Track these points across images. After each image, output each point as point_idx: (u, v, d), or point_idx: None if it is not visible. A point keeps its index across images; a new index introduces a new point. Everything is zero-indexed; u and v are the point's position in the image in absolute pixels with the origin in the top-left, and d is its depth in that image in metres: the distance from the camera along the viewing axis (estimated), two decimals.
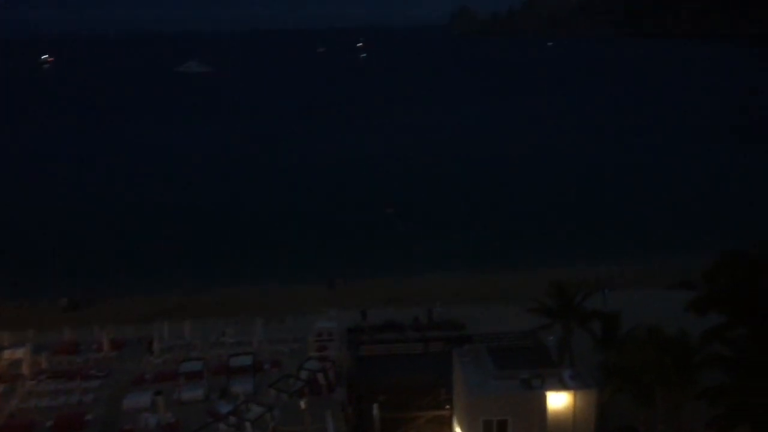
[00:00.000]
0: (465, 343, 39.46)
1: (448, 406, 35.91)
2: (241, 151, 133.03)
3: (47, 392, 40.03)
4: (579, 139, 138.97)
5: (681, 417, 32.38)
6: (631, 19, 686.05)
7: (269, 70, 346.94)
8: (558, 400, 31.44)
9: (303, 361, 41.13)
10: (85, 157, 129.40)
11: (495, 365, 33.20)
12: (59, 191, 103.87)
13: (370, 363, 40.40)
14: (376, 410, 35.01)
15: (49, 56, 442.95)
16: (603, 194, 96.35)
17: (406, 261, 70.55)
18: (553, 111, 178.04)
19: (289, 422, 34.86)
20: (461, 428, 33.11)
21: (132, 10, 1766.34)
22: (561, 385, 31.65)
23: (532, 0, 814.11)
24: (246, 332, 47.25)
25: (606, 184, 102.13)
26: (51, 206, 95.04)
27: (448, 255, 71.41)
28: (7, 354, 44.23)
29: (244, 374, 40.91)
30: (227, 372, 41.19)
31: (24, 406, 38.44)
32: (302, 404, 34.67)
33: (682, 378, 29.95)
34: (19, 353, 43.75)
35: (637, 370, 30.92)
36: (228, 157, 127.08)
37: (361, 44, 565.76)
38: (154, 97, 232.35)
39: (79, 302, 59.92)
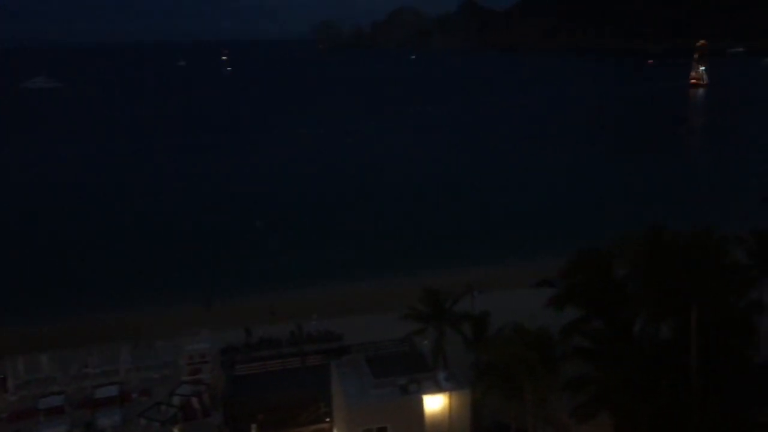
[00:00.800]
0: (343, 354, 39.38)
1: (328, 419, 35.62)
2: (102, 169, 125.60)
3: None
4: (447, 147, 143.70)
5: (548, 408, 34.06)
6: (485, 34, 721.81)
7: (120, 84, 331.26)
8: (434, 403, 32.09)
9: (175, 387, 39.22)
10: None
11: (372, 374, 33.35)
12: None
13: (247, 382, 39.27)
14: (254, 430, 34.06)
15: None
16: (468, 201, 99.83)
17: (282, 275, 69.49)
18: (420, 121, 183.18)
19: None
20: None
21: None
22: (436, 388, 32.35)
23: (393, 15, 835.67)
24: (111, 360, 44.32)
25: (470, 191, 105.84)
26: None
27: (324, 267, 71.17)
28: None
29: (111, 405, 38.36)
30: (92, 405, 38.47)
31: None
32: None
33: (547, 371, 31.51)
34: None
35: (505, 367, 32.19)
36: (87, 176, 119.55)
37: (225, 57, 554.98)
38: None
39: None
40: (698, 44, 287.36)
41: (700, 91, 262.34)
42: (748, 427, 30.79)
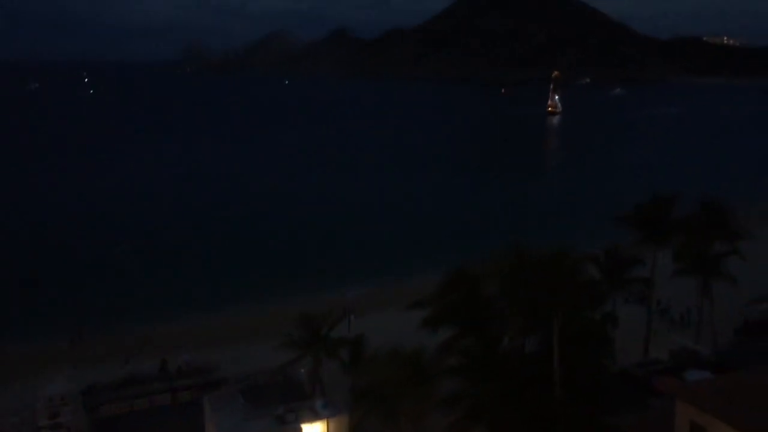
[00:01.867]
0: (216, 387, 38.12)
1: None
2: None
3: None
4: (317, 171, 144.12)
5: (425, 427, 34.69)
6: (354, 61, 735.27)
7: None
8: (313, 431, 31.78)
9: None
10: None
11: (247, 405, 32.55)
12: None
13: (112, 424, 36.98)
14: None
15: None
16: (339, 224, 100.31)
17: (151, 305, 66.30)
18: (288, 146, 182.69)
19: None
20: None
21: None
22: (314, 416, 32.10)
23: (264, 40, 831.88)
24: None
25: (339, 215, 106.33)
26: None
27: (195, 296, 68.72)
28: None
29: None
30: None
31: None
32: None
33: (422, 390, 32.18)
34: None
35: (381, 389, 32.53)
36: None
37: (87, 79, 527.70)
38: None
39: None
40: (553, 75, 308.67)
41: (556, 118, 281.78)
42: None
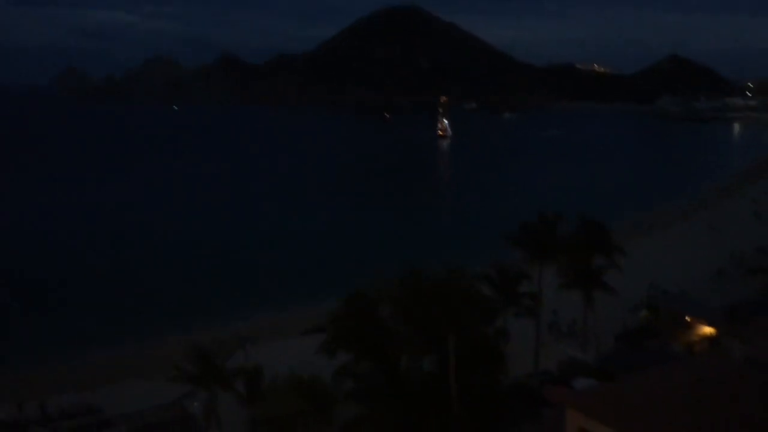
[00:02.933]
0: (104, 428, 36.03)
1: None
2: None
3: None
4: (207, 202, 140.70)
5: None
6: (244, 87, 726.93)
7: None
8: None
9: None
10: None
11: None
12: None
13: None
14: None
15: None
16: (230, 252, 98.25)
17: (31, 346, 61.84)
18: (176, 177, 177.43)
19: None
20: None
21: None
22: None
23: (148, 64, 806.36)
24: None
25: (230, 243, 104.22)
26: None
27: (79, 334, 64.73)
28: None
29: None
30: None
31: None
32: None
33: (321, 417, 31.90)
34: None
35: (280, 419, 31.95)
36: None
37: None
38: None
39: None
40: (441, 100, 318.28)
41: (446, 141, 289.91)
42: None
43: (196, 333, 56.37)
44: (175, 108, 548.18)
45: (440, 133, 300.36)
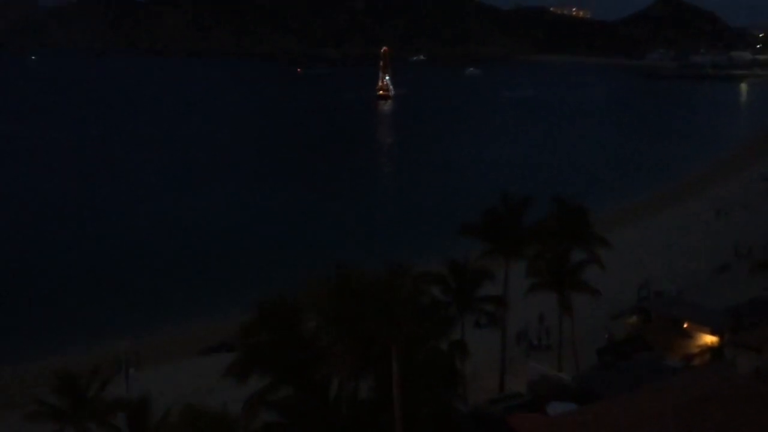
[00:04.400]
0: None
1: None
2: None
3: None
4: (91, 183, 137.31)
5: None
6: (120, 30, 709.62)
7: None
8: None
9: None
10: None
11: None
12: None
13: None
14: None
15: None
16: (112, 249, 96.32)
17: None
18: (46, 145, 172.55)
19: None
20: None
21: None
22: None
23: None
24: None
25: (113, 234, 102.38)
26: None
27: None
28: None
29: None
30: None
31: None
32: None
33: None
34: None
35: None
36: None
37: None
38: None
39: None
40: (382, 51, 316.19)
41: (388, 104, 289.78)
42: None
43: (65, 355, 55.13)
44: (33, 57, 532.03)
45: (381, 92, 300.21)
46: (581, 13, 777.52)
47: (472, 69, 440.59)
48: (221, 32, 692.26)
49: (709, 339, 56.09)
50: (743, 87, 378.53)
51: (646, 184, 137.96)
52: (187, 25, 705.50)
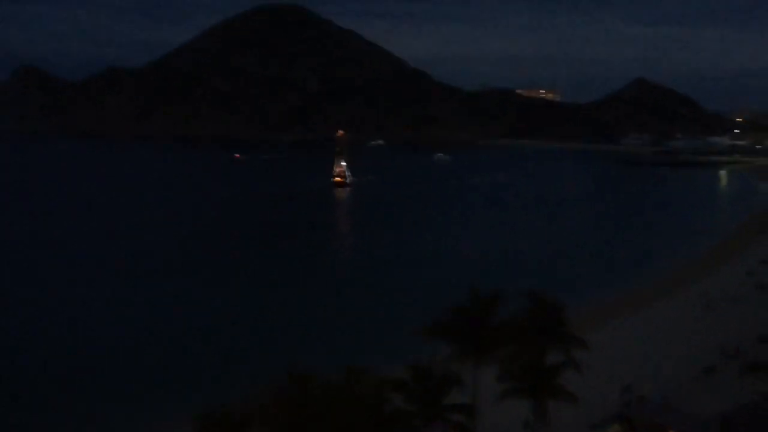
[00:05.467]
0: None
1: None
2: None
3: None
4: None
5: None
6: (54, 111, 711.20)
7: None
8: None
9: None
10: None
11: None
12: None
13: None
14: None
15: None
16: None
17: None
18: None
19: None
20: None
21: None
22: None
23: None
24: None
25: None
26: None
27: None
28: None
29: None
30: None
31: None
32: None
33: None
34: None
35: None
36: None
37: None
38: None
39: None
40: (338, 134, 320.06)
41: (347, 191, 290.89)
42: None
43: None
44: None
45: (337, 179, 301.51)
46: (551, 96, 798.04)
47: (440, 154, 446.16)
48: (168, 115, 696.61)
49: None
50: (723, 174, 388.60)
51: (626, 278, 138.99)
52: (130, 107, 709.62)
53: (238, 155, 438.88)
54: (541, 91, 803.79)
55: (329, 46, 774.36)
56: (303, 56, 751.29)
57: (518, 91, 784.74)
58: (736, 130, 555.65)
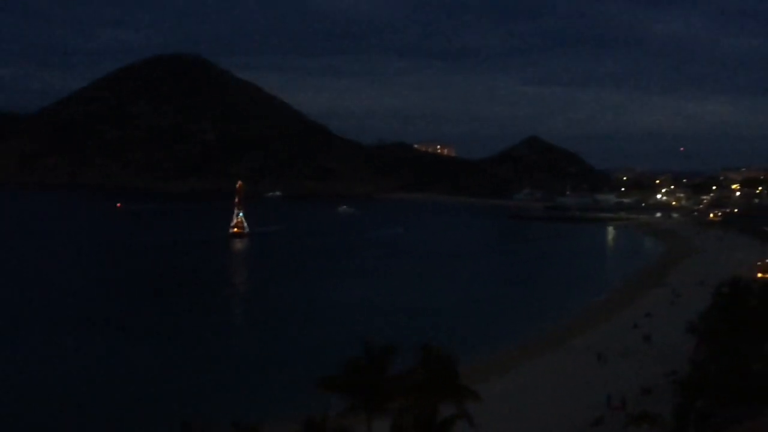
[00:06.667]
0: None
1: None
2: None
3: None
4: None
5: None
6: None
7: None
8: None
9: None
10: None
11: None
12: None
13: None
14: None
15: None
16: None
17: None
18: None
19: None
20: None
21: None
22: None
23: None
24: None
25: None
26: None
27: None
28: None
29: None
30: None
31: None
32: None
33: None
34: None
35: None
36: None
37: None
38: None
39: None
40: (237, 186, 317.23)
41: (244, 242, 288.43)
42: None
43: None
44: None
45: (235, 230, 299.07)
46: (446, 151, 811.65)
47: (345, 207, 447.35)
48: (57, 163, 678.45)
49: None
50: (610, 230, 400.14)
51: (518, 330, 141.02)
52: (17, 154, 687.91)
53: (120, 204, 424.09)
54: (437, 146, 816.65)
55: (227, 98, 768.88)
56: (200, 107, 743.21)
57: (415, 145, 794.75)
58: (622, 189, 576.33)
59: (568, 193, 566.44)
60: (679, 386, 68.32)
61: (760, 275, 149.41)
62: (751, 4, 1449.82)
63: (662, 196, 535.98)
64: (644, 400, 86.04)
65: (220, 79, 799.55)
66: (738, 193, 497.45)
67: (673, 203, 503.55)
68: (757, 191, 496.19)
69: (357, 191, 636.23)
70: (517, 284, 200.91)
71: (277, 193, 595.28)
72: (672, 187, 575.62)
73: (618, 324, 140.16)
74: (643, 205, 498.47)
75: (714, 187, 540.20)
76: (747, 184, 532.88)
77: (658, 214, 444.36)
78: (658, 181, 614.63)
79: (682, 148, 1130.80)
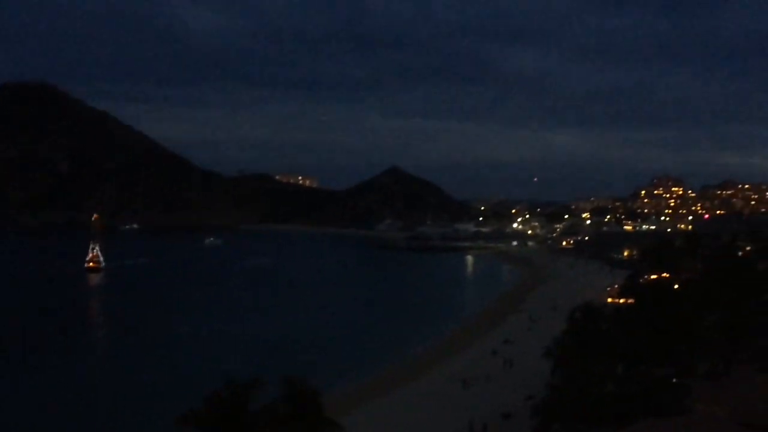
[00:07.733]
0: None
1: None
2: None
3: None
4: None
5: None
6: None
7: None
8: None
9: None
10: None
11: None
12: None
13: None
14: None
15: None
16: None
17: None
18: None
19: None
20: None
21: None
22: None
23: None
24: None
25: None
26: None
27: None
28: None
29: None
30: None
31: None
32: None
33: None
34: None
35: None
36: None
37: None
38: None
39: None
40: (93, 219, 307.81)
41: (99, 277, 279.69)
42: None
43: None
44: None
45: (91, 264, 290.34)
46: (308, 182, 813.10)
47: (211, 239, 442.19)
48: None
49: None
50: (469, 258, 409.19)
51: (382, 359, 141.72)
52: None
53: None
54: (299, 177, 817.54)
55: (81, 127, 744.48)
56: (52, 136, 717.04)
57: (277, 176, 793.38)
58: (480, 218, 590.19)
59: (428, 222, 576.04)
60: (536, 410, 69.75)
61: (610, 300, 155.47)
62: (600, 41, 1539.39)
63: (518, 225, 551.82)
64: (505, 424, 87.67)
65: (73, 108, 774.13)
66: (588, 222, 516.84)
67: (529, 232, 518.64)
68: (606, 219, 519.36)
69: (218, 222, 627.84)
70: (380, 313, 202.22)
71: (135, 226, 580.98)
72: (527, 216, 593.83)
73: (479, 350, 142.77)
74: (501, 233, 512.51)
75: (566, 216, 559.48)
76: (596, 213, 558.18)
77: (515, 243, 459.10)
78: (514, 211, 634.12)
79: (535, 179, 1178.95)
